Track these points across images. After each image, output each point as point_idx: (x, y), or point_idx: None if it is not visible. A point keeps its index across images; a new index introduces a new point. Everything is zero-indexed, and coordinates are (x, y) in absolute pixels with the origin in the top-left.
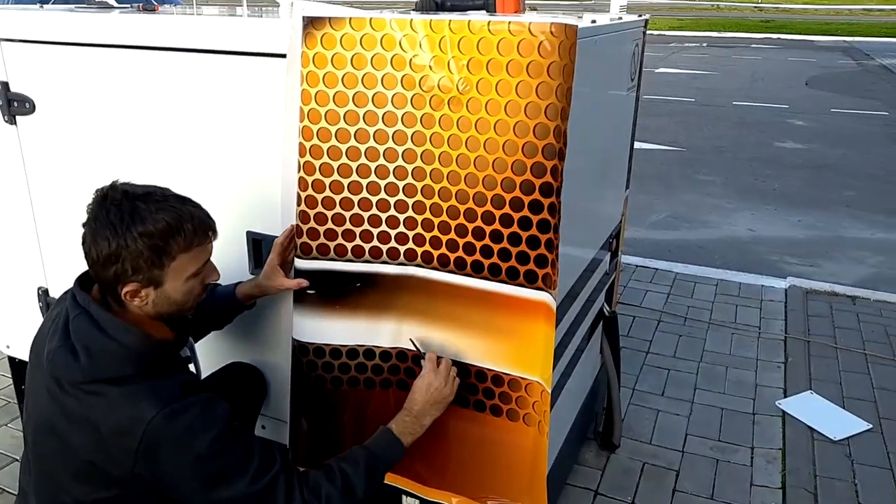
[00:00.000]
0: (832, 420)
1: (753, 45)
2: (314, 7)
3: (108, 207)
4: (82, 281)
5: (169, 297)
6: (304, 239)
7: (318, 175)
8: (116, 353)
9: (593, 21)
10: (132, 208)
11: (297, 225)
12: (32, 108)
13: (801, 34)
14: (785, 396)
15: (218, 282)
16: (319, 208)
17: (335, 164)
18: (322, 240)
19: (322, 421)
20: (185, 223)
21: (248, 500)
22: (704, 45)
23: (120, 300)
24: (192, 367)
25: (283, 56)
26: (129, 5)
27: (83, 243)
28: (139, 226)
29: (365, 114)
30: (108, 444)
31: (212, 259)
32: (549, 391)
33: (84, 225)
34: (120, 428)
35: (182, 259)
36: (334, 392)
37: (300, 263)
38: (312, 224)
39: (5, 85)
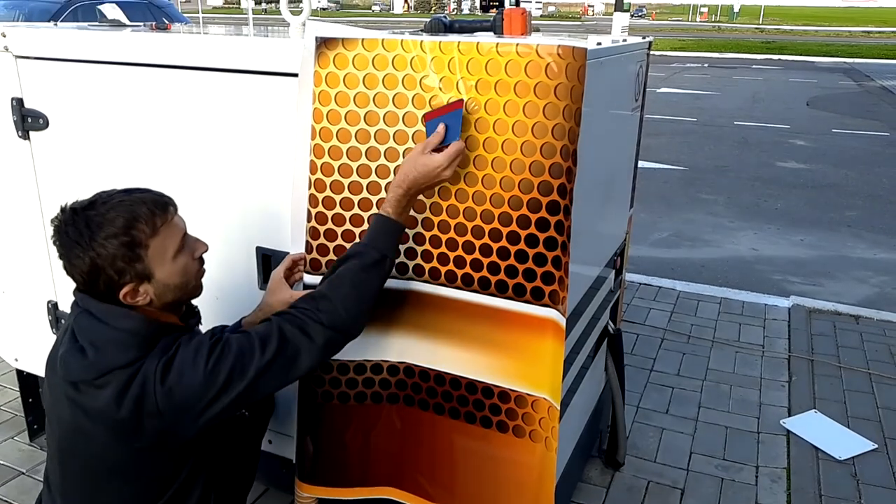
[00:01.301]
0: (837, 439)
1: (754, 66)
2: (326, 27)
3: (65, 230)
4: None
5: (167, 283)
6: (314, 255)
7: (328, 192)
8: (120, 340)
9: (599, 43)
10: (86, 220)
11: (307, 241)
12: (46, 124)
13: (801, 55)
14: (789, 415)
15: (227, 323)
16: (329, 224)
17: (346, 182)
18: (332, 256)
19: (328, 436)
20: (139, 209)
21: (274, 365)
22: (706, 65)
23: (127, 305)
24: None
25: (293, 75)
26: (141, 24)
27: (67, 273)
28: (99, 232)
29: (376, 132)
30: (132, 421)
31: (191, 233)
32: (558, 407)
33: (59, 258)
34: (135, 398)
35: (156, 243)
36: (341, 408)
37: (309, 279)
38: (322, 240)
39: (20, 101)
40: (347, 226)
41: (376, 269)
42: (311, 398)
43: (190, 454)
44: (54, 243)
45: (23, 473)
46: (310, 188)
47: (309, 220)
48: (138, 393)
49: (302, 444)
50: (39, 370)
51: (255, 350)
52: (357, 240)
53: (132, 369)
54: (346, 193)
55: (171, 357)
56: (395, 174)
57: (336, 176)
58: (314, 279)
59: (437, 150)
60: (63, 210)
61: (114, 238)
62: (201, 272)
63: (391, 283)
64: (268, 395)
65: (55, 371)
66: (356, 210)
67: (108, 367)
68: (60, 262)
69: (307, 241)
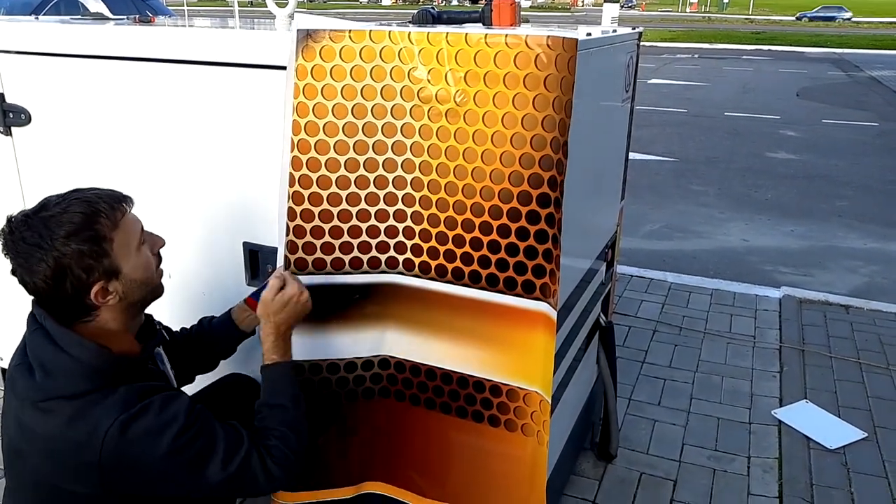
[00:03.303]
0: (828, 429)
1: (744, 57)
2: (312, 20)
3: (20, 237)
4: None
5: (134, 278)
6: (300, 254)
7: (315, 188)
8: (71, 369)
9: (588, 34)
10: (42, 222)
11: (292, 240)
12: (28, 120)
13: (791, 46)
14: (780, 405)
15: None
16: (317, 221)
17: (333, 177)
18: (319, 254)
19: (316, 439)
20: (98, 204)
21: (227, 484)
22: (696, 56)
23: (92, 308)
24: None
25: (279, 68)
26: (124, 17)
27: (23, 285)
28: (60, 231)
29: (364, 125)
30: (68, 462)
31: (160, 237)
32: (549, 401)
33: (12, 272)
34: (78, 443)
35: (118, 236)
36: (330, 411)
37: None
38: (309, 238)
39: (1, 96)
40: (335, 221)
41: (298, 410)
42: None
43: None
44: (6, 255)
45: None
46: (294, 185)
47: (293, 219)
48: (83, 440)
49: None
50: None
51: (216, 457)
52: (345, 237)
53: (79, 403)
54: (334, 188)
55: (133, 416)
56: (383, 168)
57: (323, 171)
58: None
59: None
60: (10, 220)
61: (76, 235)
62: (160, 270)
63: (381, 277)
64: (256, 390)
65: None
66: (344, 205)
67: (55, 393)
68: (13, 275)
69: (291, 241)
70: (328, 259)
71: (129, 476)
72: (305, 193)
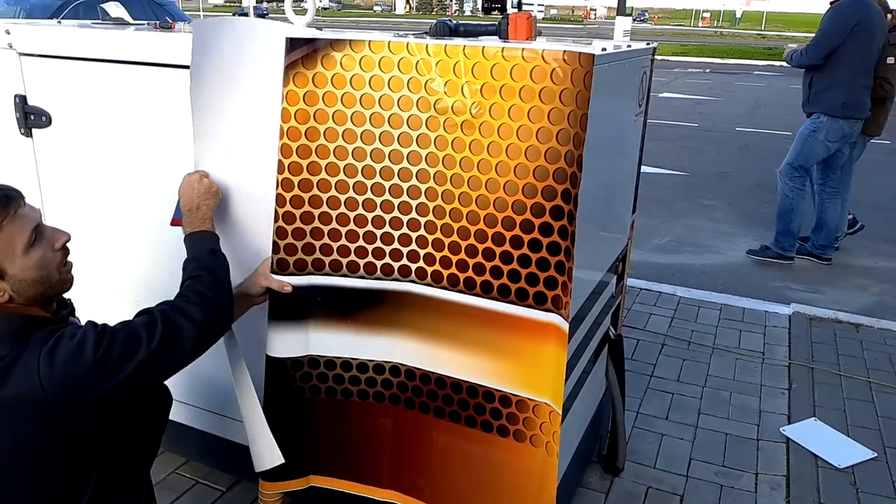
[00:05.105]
0: (836, 447)
1: (756, 72)
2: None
3: None
4: None
5: (24, 278)
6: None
7: (333, 192)
8: None
9: (603, 49)
10: None
11: (310, 242)
12: (49, 122)
13: None
14: (789, 423)
15: None
16: (334, 224)
17: (351, 182)
18: (335, 255)
19: (309, 429)
20: None
21: (161, 353)
22: (708, 70)
23: None
24: None
25: None
26: (145, 23)
27: None
28: None
29: (381, 134)
30: (21, 415)
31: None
32: (560, 412)
33: None
34: (18, 394)
35: (1, 239)
36: (339, 402)
37: (312, 280)
38: (326, 240)
39: (23, 98)
40: (351, 226)
41: (214, 258)
42: (299, 393)
43: (90, 456)
44: None
45: None
46: (312, 189)
47: (310, 222)
48: (23, 389)
49: (287, 442)
50: None
51: (142, 337)
52: (360, 241)
53: (3, 364)
54: (352, 193)
55: (52, 346)
56: (398, 177)
57: (342, 176)
58: (322, 280)
59: None
60: None
61: None
62: (65, 264)
63: (392, 285)
64: (164, 390)
65: None
66: (360, 210)
67: None
68: None
69: (310, 243)
70: (344, 262)
71: (76, 400)
72: (324, 197)
